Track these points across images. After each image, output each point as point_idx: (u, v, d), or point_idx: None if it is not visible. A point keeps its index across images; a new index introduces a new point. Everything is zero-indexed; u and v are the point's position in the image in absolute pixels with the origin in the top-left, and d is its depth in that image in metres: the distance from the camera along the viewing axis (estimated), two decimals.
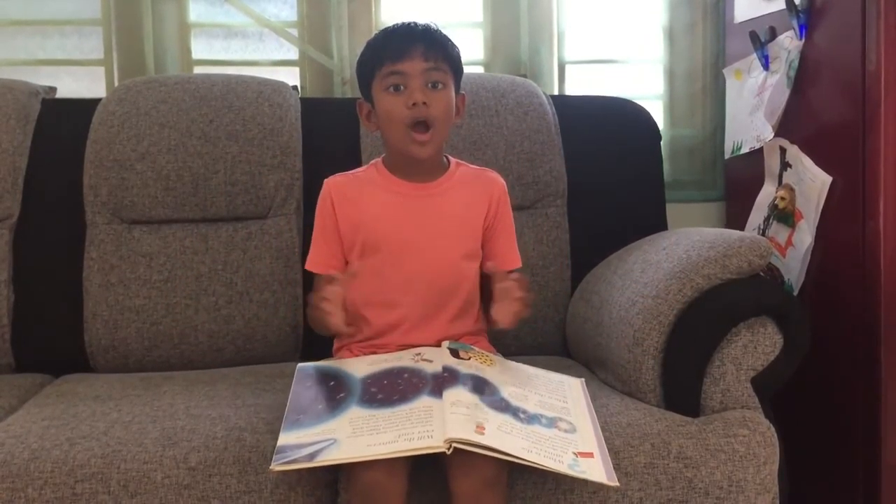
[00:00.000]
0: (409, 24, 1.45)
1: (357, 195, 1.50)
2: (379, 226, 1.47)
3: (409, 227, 1.47)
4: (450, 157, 1.55)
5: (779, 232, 1.87)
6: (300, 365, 1.41)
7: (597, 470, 1.21)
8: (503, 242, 1.54)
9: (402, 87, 1.41)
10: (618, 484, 1.22)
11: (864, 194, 1.62)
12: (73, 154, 1.85)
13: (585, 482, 1.24)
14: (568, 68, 2.30)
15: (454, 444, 1.15)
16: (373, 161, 1.56)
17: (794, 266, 1.80)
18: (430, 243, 1.47)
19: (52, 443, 1.32)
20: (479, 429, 1.18)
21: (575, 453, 1.22)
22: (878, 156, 1.59)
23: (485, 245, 1.53)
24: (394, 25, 1.46)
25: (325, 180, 1.54)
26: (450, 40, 1.47)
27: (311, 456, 1.17)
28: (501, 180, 1.57)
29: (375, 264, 1.47)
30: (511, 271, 1.54)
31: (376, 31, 1.51)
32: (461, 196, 1.50)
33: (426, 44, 1.41)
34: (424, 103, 1.40)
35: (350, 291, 1.51)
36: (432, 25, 1.45)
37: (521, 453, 1.17)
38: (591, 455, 1.23)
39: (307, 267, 1.54)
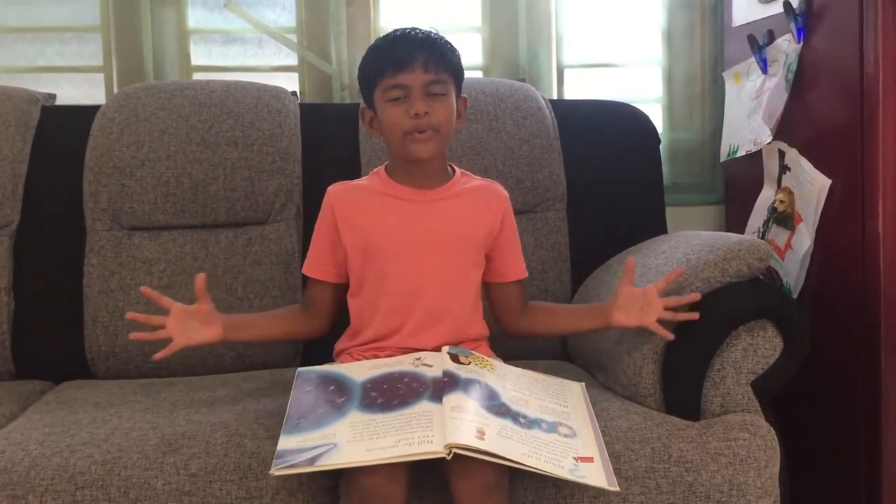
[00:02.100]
0: (409, 32, 1.45)
1: (359, 201, 1.51)
2: (381, 231, 1.47)
3: (411, 233, 1.47)
4: (455, 167, 1.56)
5: (778, 235, 1.87)
6: (300, 369, 1.41)
7: (597, 474, 1.21)
8: (508, 254, 1.55)
9: (403, 98, 1.42)
10: (618, 489, 1.22)
11: (863, 197, 1.62)
12: (72, 161, 1.85)
13: (586, 487, 1.24)
14: (566, 72, 2.31)
15: (454, 450, 1.15)
16: (374, 170, 1.56)
17: (793, 269, 1.80)
18: (432, 249, 1.47)
19: (52, 450, 1.32)
20: (480, 434, 1.18)
21: (575, 458, 1.22)
22: (876, 158, 1.60)
23: (491, 257, 1.54)
24: (394, 33, 1.46)
25: (328, 188, 1.54)
26: (450, 47, 1.47)
27: (312, 460, 1.17)
28: (505, 192, 1.57)
29: (378, 269, 1.47)
30: (519, 281, 1.56)
31: (377, 37, 1.51)
32: (465, 205, 1.50)
33: (426, 55, 1.41)
34: (426, 113, 1.41)
35: (354, 296, 1.52)
36: (433, 33, 1.46)
37: (521, 458, 1.17)
38: (591, 460, 1.23)
39: (304, 271, 1.56)
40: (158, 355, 1.40)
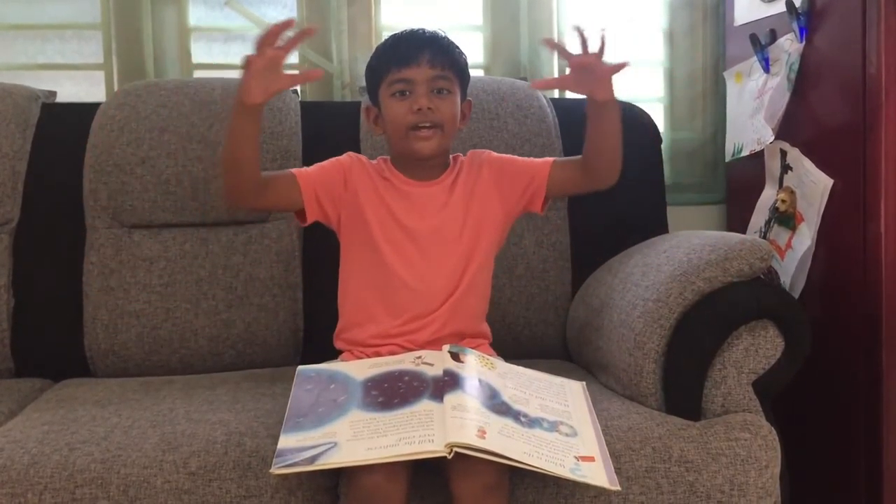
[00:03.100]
0: (416, 31, 1.47)
1: (373, 178, 1.51)
2: (389, 217, 1.48)
3: (412, 225, 1.48)
4: (450, 156, 1.56)
5: (780, 235, 1.87)
6: (301, 367, 1.41)
7: (598, 474, 1.20)
8: (522, 168, 1.53)
9: (407, 93, 1.43)
10: (619, 488, 1.21)
11: (865, 197, 1.62)
12: (72, 158, 1.85)
13: (587, 486, 1.24)
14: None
15: (455, 449, 1.15)
16: (380, 157, 1.57)
17: (795, 269, 1.80)
18: (431, 244, 1.48)
19: (51, 448, 1.32)
20: (481, 433, 1.17)
21: (576, 457, 1.22)
22: (878, 158, 1.59)
23: (517, 189, 1.52)
24: (402, 32, 1.48)
25: (349, 152, 1.54)
26: (457, 47, 1.49)
27: (312, 459, 1.17)
28: (484, 153, 1.57)
29: (383, 256, 1.47)
30: (552, 165, 1.52)
31: (384, 36, 1.52)
32: (461, 185, 1.51)
33: (432, 51, 1.43)
34: (430, 108, 1.42)
35: (350, 285, 1.51)
36: (439, 32, 1.47)
37: (522, 457, 1.17)
38: (592, 459, 1.23)
39: (295, 171, 1.49)
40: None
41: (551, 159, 1.55)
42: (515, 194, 1.53)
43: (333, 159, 1.53)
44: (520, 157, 1.58)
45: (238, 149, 1.39)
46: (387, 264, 1.47)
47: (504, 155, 1.58)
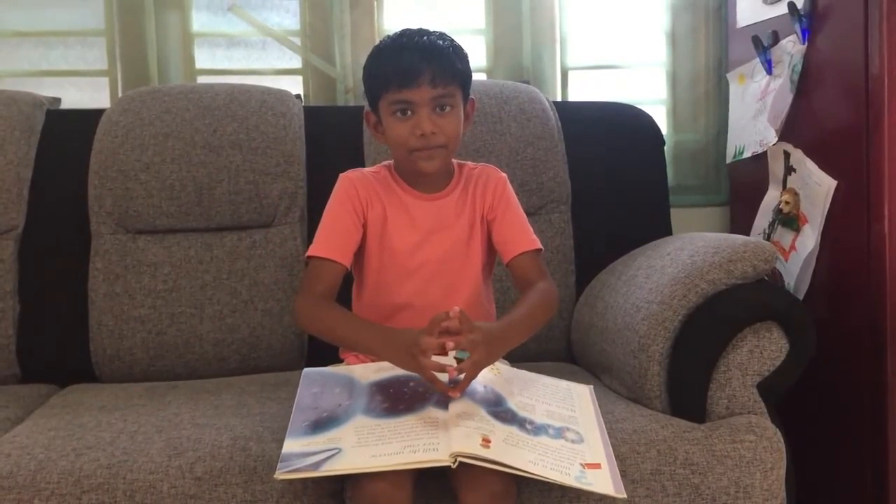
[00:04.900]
0: (416, 40, 1.39)
1: (379, 192, 1.49)
2: (397, 232, 1.47)
3: (419, 232, 1.47)
4: (453, 161, 1.55)
5: (784, 236, 1.87)
6: (306, 370, 1.41)
7: (604, 481, 1.20)
8: (507, 230, 1.50)
9: (409, 112, 1.38)
10: (625, 496, 1.20)
11: (869, 198, 1.62)
12: (77, 165, 1.85)
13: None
14: (570, 74, 2.31)
15: (459, 458, 1.14)
16: (384, 163, 1.54)
17: (799, 270, 1.80)
18: (440, 252, 1.47)
19: (58, 453, 1.32)
20: (485, 442, 1.17)
21: (582, 464, 1.21)
22: (882, 159, 1.59)
23: (492, 235, 1.51)
24: (401, 38, 1.41)
25: (343, 174, 1.51)
26: (459, 53, 1.43)
27: (316, 465, 1.17)
28: (500, 174, 1.54)
29: (390, 270, 1.47)
30: (524, 253, 1.47)
31: (384, 37, 1.45)
32: (466, 200, 1.50)
33: (433, 69, 1.36)
34: (433, 132, 1.38)
35: (366, 292, 1.51)
36: (441, 41, 1.41)
37: (527, 466, 1.16)
38: (598, 466, 1.22)
39: (311, 253, 1.44)
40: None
41: (522, 250, 1.47)
42: (488, 225, 1.51)
43: (342, 196, 1.47)
44: (517, 216, 1.50)
45: (345, 346, 1.48)
46: (391, 283, 1.47)
47: (511, 197, 1.51)
